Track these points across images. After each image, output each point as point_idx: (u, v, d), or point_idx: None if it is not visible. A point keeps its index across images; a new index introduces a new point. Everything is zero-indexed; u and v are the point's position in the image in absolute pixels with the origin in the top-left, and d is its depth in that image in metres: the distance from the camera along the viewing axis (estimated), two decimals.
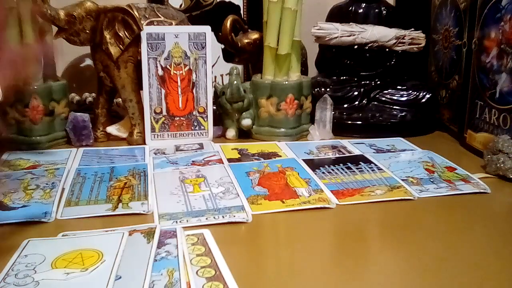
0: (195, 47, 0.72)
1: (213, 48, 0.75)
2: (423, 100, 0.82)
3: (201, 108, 0.74)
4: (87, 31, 0.70)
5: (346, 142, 0.74)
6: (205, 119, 0.75)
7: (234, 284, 0.36)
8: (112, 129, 0.76)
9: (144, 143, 0.73)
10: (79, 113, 0.73)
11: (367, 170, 0.61)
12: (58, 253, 0.39)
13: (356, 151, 0.70)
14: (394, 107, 0.82)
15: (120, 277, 0.36)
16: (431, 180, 0.59)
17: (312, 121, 0.79)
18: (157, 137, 0.74)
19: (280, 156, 0.68)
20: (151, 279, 0.36)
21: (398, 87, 0.83)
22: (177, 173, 0.60)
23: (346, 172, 0.61)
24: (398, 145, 0.73)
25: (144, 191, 0.54)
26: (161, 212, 0.49)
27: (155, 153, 0.69)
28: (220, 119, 0.78)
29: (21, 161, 0.64)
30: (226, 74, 0.87)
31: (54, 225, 0.47)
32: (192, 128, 0.75)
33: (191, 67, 0.73)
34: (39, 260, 0.39)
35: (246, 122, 0.77)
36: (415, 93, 0.83)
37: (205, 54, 0.73)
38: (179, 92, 0.73)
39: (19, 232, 0.45)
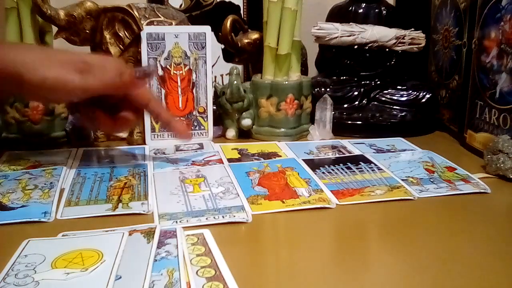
0: (195, 47, 0.72)
1: (213, 48, 0.75)
2: (423, 100, 0.82)
3: (201, 108, 0.74)
4: (87, 31, 0.70)
5: (346, 142, 0.74)
6: (205, 119, 0.75)
7: (234, 284, 0.36)
8: None
9: (144, 143, 0.73)
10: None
11: (367, 170, 0.61)
12: (58, 253, 0.39)
13: (356, 151, 0.70)
14: (394, 107, 0.82)
15: (120, 277, 0.36)
16: (431, 180, 0.59)
17: (312, 121, 0.79)
18: (157, 137, 0.74)
19: (280, 156, 0.68)
20: (151, 279, 0.36)
21: (398, 87, 0.83)
22: (177, 173, 0.60)
23: (346, 172, 0.61)
24: (398, 145, 0.73)
25: (144, 191, 0.54)
26: (161, 212, 0.49)
27: (155, 153, 0.69)
28: (220, 119, 0.78)
29: (21, 161, 0.64)
30: (226, 74, 0.87)
31: (54, 225, 0.47)
32: (192, 128, 0.75)
33: (191, 67, 0.73)
34: (39, 260, 0.39)
35: (246, 122, 0.77)
36: (415, 93, 0.83)
37: (205, 54, 0.73)
38: (179, 92, 0.73)
39: (19, 232, 0.45)
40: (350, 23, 0.82)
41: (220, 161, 0.65)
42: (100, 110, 0.57)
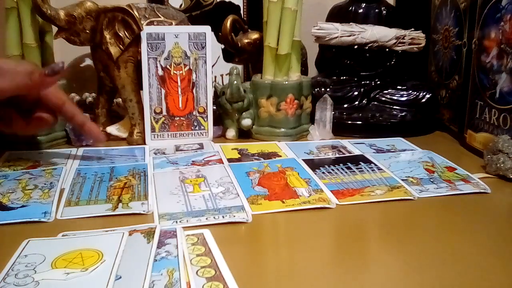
0: (195, 47, 0.72)
1: (213, 48, 0.75)
2: (423, 100, 0.82)
3: (201, 108, 0.74)
4: (87, 31, 0.70)
5: (346, 142, 0.74)
6: (205, 119, 0.75)
7: (234, 284, 0.36)
8: (112, 129, 0.76)
9: (144, 143, 0.73)
10: None
11: (367, 170, 0.61)
12: (58, 253, 0.39)
13: (356, 151, 0.70)
14: (394, 107, 0.83)
15: (120, 277, 0.36)
16: (431, 180, 0.59)
17: (312, 121, 0.79)
18: (157, 137, 0.74)
19: (280, 156, 0.68)
20: (151, 279, 0.36)
21: (398, 87, 0.83)
22: (177, 173, 0.60)
23: (346, 172, 0.61)
24: (398, 145, 0.73)
25: (144, 191, 0.54)
26: (161, 212, 0.49)
27: (155, 153, 0.69)
28: (220, 119, 0.78)
29: (21, 161, 0.64)
30: (226, 74, 0.87)
31: (54, 225, 0.47)
32: (192, 128, 0.75)
33: (191, 67, 0.73)
34: (39, 260, 0.39)
35: (246, 122, 0.77)
36: (415, 93, 0.83)
37: (205, 54, 0.73)
38: (179, 92, 0.73)
39: (19, 232, 0.45)
40: (350, 23, 0.82)
41: (220, 161, 0.65)
42: (14, 111, 0.59)
